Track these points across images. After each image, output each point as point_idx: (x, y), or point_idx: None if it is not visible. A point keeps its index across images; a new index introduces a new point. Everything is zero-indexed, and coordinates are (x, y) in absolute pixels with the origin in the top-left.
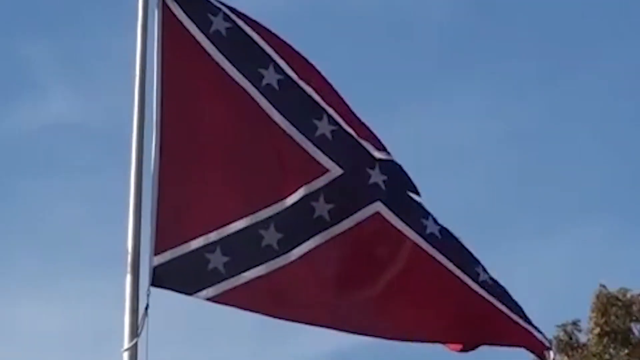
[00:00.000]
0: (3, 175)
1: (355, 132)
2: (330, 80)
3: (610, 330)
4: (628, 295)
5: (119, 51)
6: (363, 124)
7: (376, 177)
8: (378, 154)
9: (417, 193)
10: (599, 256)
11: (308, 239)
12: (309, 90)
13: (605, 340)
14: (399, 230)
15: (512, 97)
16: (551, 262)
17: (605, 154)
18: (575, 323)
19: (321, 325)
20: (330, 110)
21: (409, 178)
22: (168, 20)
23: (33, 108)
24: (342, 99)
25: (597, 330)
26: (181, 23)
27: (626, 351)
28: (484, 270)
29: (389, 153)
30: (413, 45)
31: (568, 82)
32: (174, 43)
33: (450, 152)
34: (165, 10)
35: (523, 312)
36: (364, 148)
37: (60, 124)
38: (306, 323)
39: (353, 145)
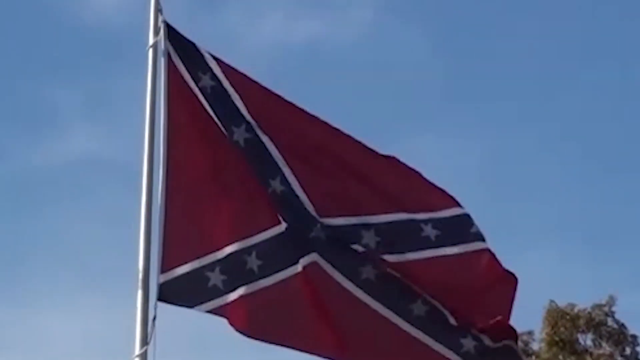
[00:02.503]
0: (31, 203)
1: (309, 194)
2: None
3: (559, 340)
4: (575, 310)
5: (134, 94)
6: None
7: (317, 232)
8: (323, 220)
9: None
10: (550, 275)
11: (278, 271)
12: (273, 150)
13: (554, 349)
14: (332, 278)
15: (464, 137)
16: None
17: (559, 186)
18: (530, 333)
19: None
20: (287, 171)
21: (361, 234)
22: (172, 69)
23: (57, 144)
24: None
25: (548, 340)
26: (181, 74)
27: (573, 358)
28: (424, 303)
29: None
30: (392, 86)
31: (534, 123)
32: (175, 90)
33: None
34: (169, 61)
35: (458, 340)
36: (307, 210)
37: (81, 159)
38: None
39: (297, 206)
